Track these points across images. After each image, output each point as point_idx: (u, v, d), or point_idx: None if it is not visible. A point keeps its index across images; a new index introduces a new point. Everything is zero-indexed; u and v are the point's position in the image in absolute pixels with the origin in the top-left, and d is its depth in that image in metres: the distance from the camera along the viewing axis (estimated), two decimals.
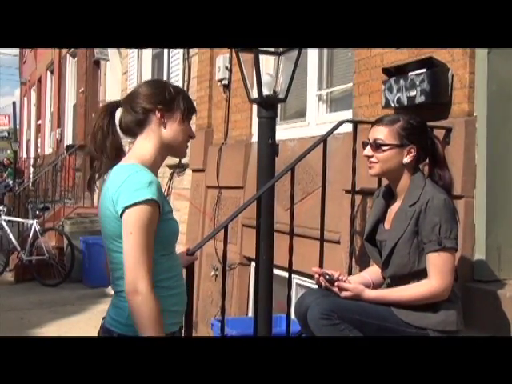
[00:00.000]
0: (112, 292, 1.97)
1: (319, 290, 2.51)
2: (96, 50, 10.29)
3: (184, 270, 2.31)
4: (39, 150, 17.13)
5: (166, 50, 7.42)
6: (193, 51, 6.47)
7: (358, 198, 3.40)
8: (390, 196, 2.54)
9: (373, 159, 2.44)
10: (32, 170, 17.29)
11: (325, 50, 4.55)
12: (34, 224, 8.70)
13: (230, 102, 5.56)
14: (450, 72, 3.05)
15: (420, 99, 3.07)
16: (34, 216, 9.31)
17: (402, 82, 3.19)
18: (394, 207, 2.48)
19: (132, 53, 8.52)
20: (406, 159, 2.41)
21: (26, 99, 21.12)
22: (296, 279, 4.18)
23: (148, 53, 8.20)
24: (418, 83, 3.08)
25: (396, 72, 3.28)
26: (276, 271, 3.46)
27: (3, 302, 7.20)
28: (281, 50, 3.40)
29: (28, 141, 19.94)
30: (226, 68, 5.52)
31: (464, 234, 2.85)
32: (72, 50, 13.42)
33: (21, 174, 17.47)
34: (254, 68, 3.37)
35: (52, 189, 10.66)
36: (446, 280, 2.29)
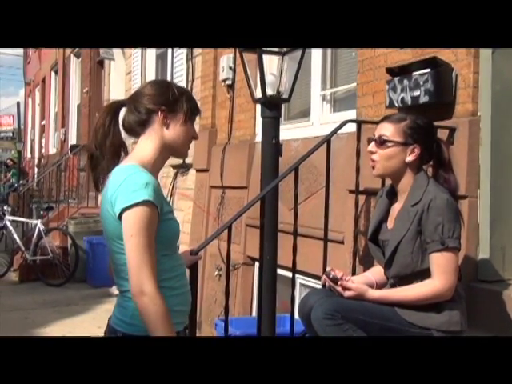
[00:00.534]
0: (116, 292, 1.98)
1: (323, 290, 2.51)
2: (101, 50, 10.27)
3: (188, 270, 2.31)
4: (43, 150, 17.15)
5: (169, 50, 7.42)
6: (196, 51, 6.47)
7: (362, 197, 3.40)
8: (393, 195, 2.54)
9: (375, 156, 2.43)
10: (36, 170, 17.32)
11: (329, 50, 4.55)
12: (38, 224, 8.71)
13: (233, 102, 5.55)
14: (453, 72, 3.05)
15: (424, 99, 3.07)
16: (38, 216, 9.34)
17: (405, 81, 3.19)
18: (397, 207, 2.47)
19: (136, 53, 8.53)
20: (409, 158, 2.40)
21: (30, 99, 21.14)
22: (300, 279, 4.18)
23: (152, 53, 8.21)
24: (421, 83, 3.08)
25: (400, 72, 3.27)
26: (280, 271, 3.45)
27: (7, 301, 7.22)
28: (284, 49, 3.39)
29: (32, 141, 19.96)
30: (230, 68, 5.52)
31: (468, 233, 2.85)
32: (76, 50, 13.45)
33: (25, 175, 17.49)
34: (257, 68, 3.36)
35: (56, 189, 10.69)
36: (450, 280, 2.29)
